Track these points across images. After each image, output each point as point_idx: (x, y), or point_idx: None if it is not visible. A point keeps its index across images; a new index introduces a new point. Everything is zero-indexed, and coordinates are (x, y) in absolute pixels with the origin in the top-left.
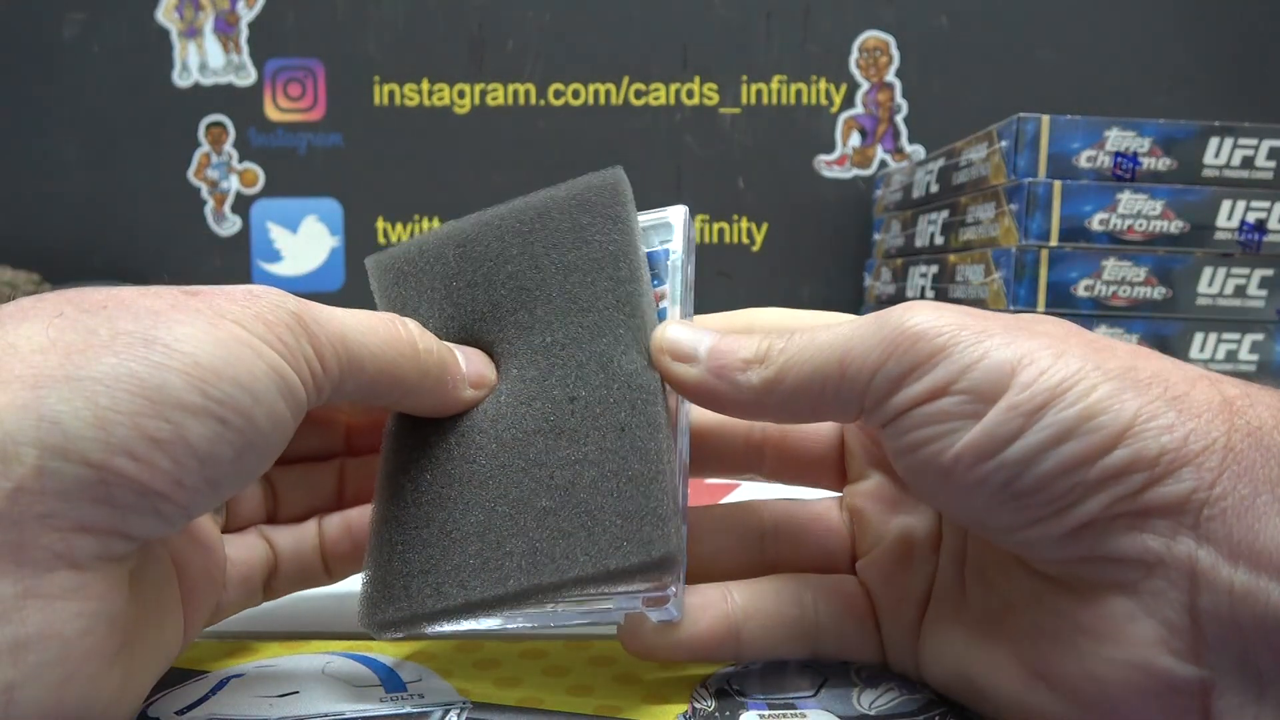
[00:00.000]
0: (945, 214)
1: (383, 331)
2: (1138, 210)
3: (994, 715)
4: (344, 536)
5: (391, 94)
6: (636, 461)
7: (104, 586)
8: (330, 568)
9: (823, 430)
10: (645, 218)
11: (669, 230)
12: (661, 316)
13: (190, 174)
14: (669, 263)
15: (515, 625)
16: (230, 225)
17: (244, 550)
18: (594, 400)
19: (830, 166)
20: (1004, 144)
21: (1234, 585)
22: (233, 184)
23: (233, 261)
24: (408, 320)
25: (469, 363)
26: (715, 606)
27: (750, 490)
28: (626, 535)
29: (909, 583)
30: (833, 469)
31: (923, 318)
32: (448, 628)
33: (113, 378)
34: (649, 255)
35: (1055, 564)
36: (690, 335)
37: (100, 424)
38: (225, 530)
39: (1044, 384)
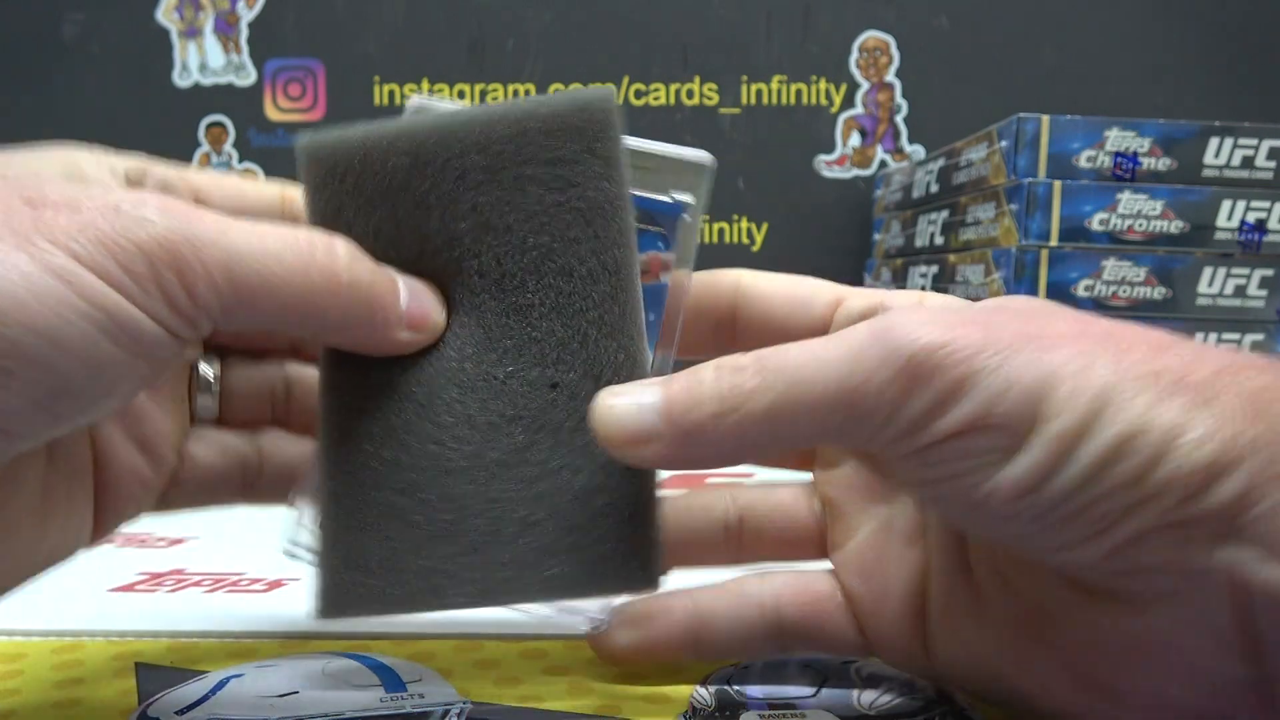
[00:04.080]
0: (945, 214)
1: (291, 259)
2: (1138, 210)
3: (1037, 716)
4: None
5: (391, 94)
6: (629, 479)
7: None
8: (259, 492)
9: None
10: (658, 149)
11: (691, 175)
12: (659, 290)
13: None
14: (682, 219)
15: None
16: None
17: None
18: (578, 394)
19: (830, 166)
20: (1004, 144)
21: None
22: None
23: None
24: (336, 243)
25: (412, 298)
26: (676, 611)
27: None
28: (621, 569)
29: (889, 577)
30: (802, 452)
31: (930, 338)
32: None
33: None
34: (656, 206)
35: (1096, 576)
36: (635, 412)
37: None
38: (221, 419)
39: (1078, 405)
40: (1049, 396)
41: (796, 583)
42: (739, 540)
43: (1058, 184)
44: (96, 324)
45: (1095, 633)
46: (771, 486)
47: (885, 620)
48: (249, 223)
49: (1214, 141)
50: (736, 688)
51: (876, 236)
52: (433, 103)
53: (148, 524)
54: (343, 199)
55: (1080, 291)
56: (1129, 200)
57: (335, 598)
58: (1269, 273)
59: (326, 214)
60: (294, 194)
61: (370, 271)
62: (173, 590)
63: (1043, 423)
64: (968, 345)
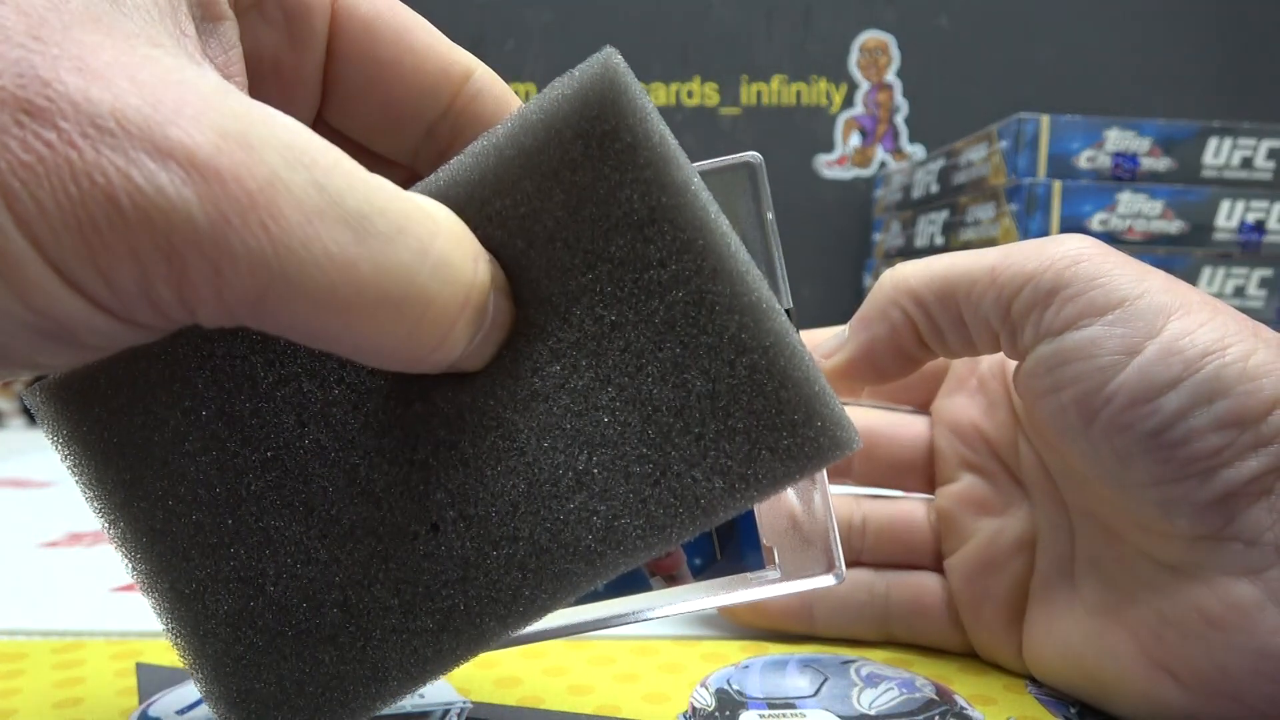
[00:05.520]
0: (945, 214)
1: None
2: (1137, 210)
3: (1115, 710)
4: None
5: None
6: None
7: None
8: None
9: (912, 433)
10: (701, 168)
11: (743, 178)
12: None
13: None
14: (759, 165)
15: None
16: None
17: None
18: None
19: (830, 166)
20: (1004, 144)
21: None
22: None
23: None
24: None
25: (497, 309)
26: None
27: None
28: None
29: (992, 582)
30: (921, 473)
31: (1084, 243)
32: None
33: None
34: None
35: (1184, 541)
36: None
37: None
38: None
39: (1203, 335)
40: (1176, 316)
41: (906, 579)
42: (861, 540)
43: (1057, 184)
44: (39, 331)
45: (1172, 610)
46: (895, 499)
47: (984, 619)
48: (339, 211)
49: (1213, 141)
50: (736, 688)
51: (876, 236)
52: None
53: None
54: None
55: None
56: (1129, 200)
57: None
58: (1268, 273)
59: None
60: (482, 81)
61: (485, 259)
62: None
63: (1166, 334)
64: (1115, 259)
